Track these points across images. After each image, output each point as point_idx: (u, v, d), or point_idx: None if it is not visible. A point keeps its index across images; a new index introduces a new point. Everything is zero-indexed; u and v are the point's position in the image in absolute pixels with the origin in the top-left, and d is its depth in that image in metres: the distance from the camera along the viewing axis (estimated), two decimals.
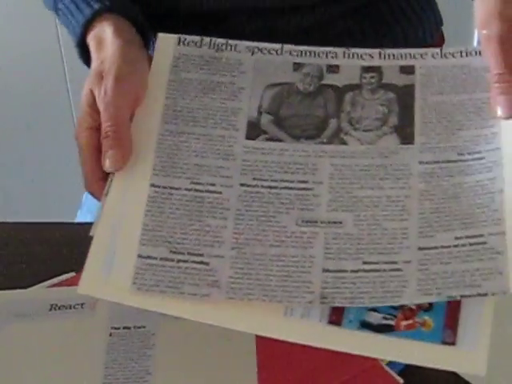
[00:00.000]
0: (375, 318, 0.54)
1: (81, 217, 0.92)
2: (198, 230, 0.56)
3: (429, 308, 0.54)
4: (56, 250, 0.75)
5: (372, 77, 0.62)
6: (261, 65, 0.63)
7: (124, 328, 0.65)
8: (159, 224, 0.56)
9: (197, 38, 0.64)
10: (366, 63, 0.63)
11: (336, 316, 0.53)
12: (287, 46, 0.64)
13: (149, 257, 0.54)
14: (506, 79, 0.59)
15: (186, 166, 0.58)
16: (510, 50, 0.59)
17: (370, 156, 0.59)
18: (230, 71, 0.63)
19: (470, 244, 0.55)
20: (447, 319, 0.54)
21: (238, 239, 0.55)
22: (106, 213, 0.56)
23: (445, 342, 0.53)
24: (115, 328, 0.65)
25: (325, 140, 0.60)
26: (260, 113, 0.61)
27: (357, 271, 0.54)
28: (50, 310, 0.67)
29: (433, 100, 0.61)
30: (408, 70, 0.63)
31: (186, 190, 0.57)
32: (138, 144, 0.59)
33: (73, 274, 0.71)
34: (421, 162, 0.58)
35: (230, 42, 0.64)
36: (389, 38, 0.82)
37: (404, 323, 0.54)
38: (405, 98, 0.61)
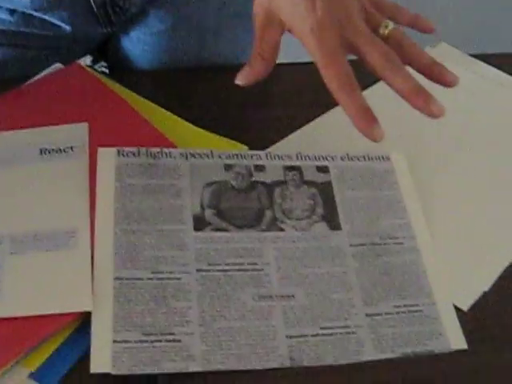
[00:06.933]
0: None
1: None
2: (166, 313, 0.60)
3: None
4: None
5: (294, 175, 0.70)
6: (196, 168, 0.69)
7: None
8: (128, 311, 0.59)
9: (134, 149, 0.69)
10: (286, 163, 0.71)
11: None
12: (216, 151, 0.70)
13: (124, 341, 0.58)
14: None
15: (144, 259, 0.62)
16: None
17: (306, 240, 0.66)
18: (169, 175, 0.68)
19: (409, 311, 0.62)
20: None
21: (203, 317, 0.60)
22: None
23: None
24: None
25: (264, 227, 0.66)
26: (203, 208, 0.67)
27: (316, 335, 0.60)
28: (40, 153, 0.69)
29: (349, 194, 0.70)
30: (324, 170, 0.71)
31: (148, 279, 0.61)
32: (97, 245, 0.62)
33: None
34: (351, 245, 0.66)
35: (165, 150, 0.69)
36: None
37: None
38: (326, 192, 0.70)
